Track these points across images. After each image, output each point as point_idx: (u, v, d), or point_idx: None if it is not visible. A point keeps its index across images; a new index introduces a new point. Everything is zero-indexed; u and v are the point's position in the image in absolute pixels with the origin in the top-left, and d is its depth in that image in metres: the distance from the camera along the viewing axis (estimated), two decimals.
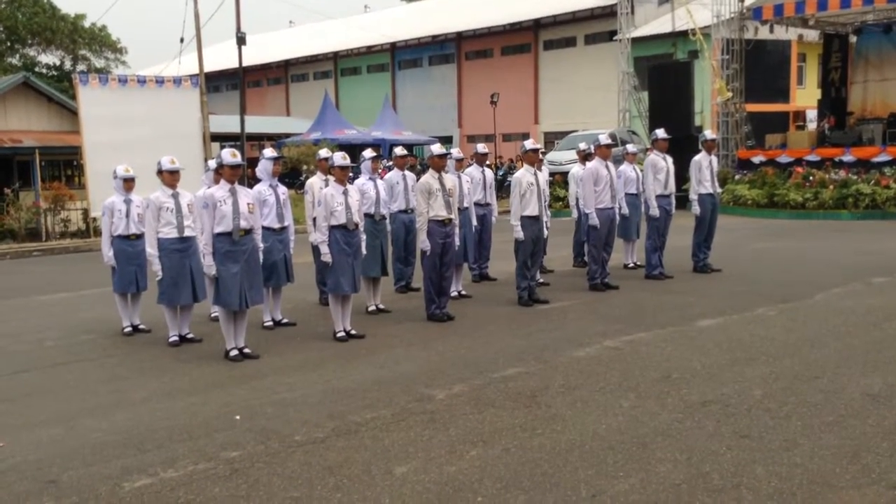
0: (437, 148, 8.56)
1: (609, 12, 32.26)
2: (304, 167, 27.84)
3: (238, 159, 6.93)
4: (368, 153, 9.27)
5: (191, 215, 7.57)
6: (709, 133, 11.38)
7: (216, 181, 7.43)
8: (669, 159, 10.69)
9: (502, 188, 22.94)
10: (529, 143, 9.00)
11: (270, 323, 8.32)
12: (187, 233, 7.56)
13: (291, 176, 28.55)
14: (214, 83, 50.82)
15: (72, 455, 4.82)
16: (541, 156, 9.61)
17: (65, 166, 24.86)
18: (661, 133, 10.83)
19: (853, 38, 23.59)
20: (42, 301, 10.88)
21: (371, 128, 36.31)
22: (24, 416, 5.64)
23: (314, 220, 7.85)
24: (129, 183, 8.13)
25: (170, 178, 7.56)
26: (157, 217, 7.48)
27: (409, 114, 43.74)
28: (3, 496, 4.25)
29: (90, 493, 4.25)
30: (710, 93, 25.11)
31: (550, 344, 7.16)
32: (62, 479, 4.46)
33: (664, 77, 22.47)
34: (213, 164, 8.02)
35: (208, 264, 6.88)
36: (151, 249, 7.51)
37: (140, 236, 7.96)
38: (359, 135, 34.33)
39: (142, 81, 19.43)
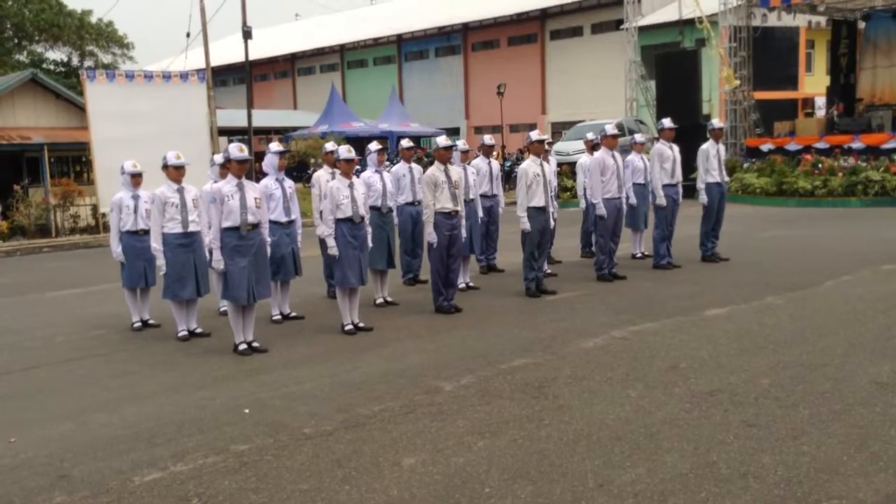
0: (442, 140, 8.56)
1: (616, 1, 32.09)
2: (312, 160, 27.85)
3: (245, 154, 6.95)
4: (374, 146, 9.27)
5: (195, 210, 7.59)
6: (716, 121, 11.34)
7: (223, 176, 7.45)
8: (676, 148, 10.65)
9: (510, 179, 22.91)
10: (535, 134, 8.99)
11: (279, 317, 8.36)
12: (192, 228, 7.59)
13: (299, 169, 28.58)
14: (221, 77, 50.86)
15: (83, 450, 4.86)
16: (547, 146, 9.60)
17: (73, 162, 24.96)
18: (667, 122, 10.81)
19: (861, 24, 23.44)
20: (52, 297, 10.95)
21: (378, 120, 36.32)
22: (36, 412, 5.70)
23: (321, 213, 7.87)
24: (136, 178, 8.17)
25: (175, 173, 7.58)
26: (161, 212, 7.51)
27: (416, 106, 43.69)
28: (16, 491, 4.30)
29: (101, 487, 4.29)
30: (718, 81, 25.00)
31: (558, 335, 7.17)
32: (73, 473, 4.50)
33: (671, 66, 22.35)
34: (219, 158, 8.04)
35: (216, 259, 6.91)
36: (156, 244, 7.55)
37: (148, 232, 7.97)
38: (366, 127, 34.33)
39: (149, 77, 19.47)
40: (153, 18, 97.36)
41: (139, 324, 8.31)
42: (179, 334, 7.71)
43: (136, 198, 8.14)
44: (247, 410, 5.44)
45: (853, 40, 23.44)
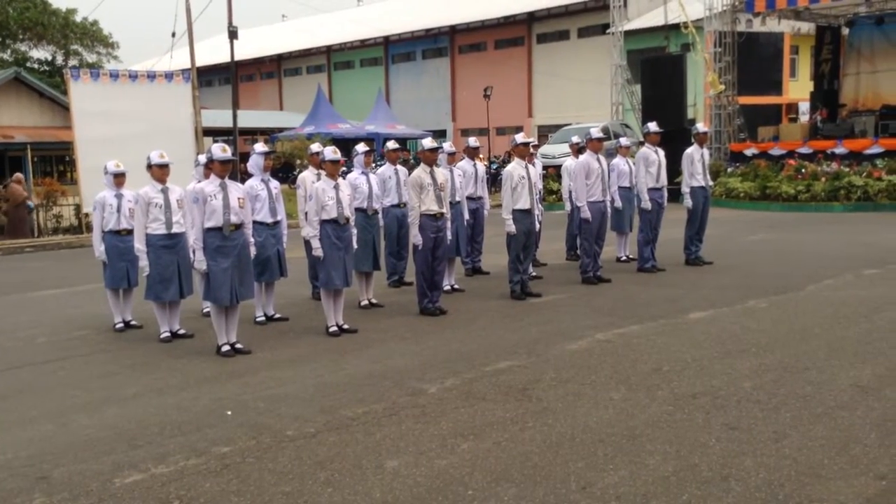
0: (428, 142, 8.55)
1: (602, 5, 32.25)
2: (298, 162, 27.80)
3: (228, 154, 6.92)
4: (361, 147, 9.26)
5: (180, 211, 7.53)
6: (700, 126, 11.41)
7: (206, 176, 7.41)
8: (661, 152, 10.71)
9: (496, 182, 22.94)
10: (520, 137, 9.00)
11: (263, 318, 8.32)
12: (175, 229, 7.53)
13: (285, 170, 28.52)
14: (207, 77, 50.66)
15: (63, 451, 4.82)
16: (532, 149, 9.62)
17: (57, 162, 24.82)
18: (652, 126, 10.86)
19: (845, 31, 23.63)
20: (34, 297, 10.86)
21: (364, 122, 36.31)
22: (16, 413, 5.64)
23: (306, 214, 7.85)
24: (119, 178, 8.11)
25: (159, 172, 7.53)
26: (145, 212, 7.45)
27: (403, 107, 43.70)
28: None
29: (81, 489, 4.25)
30: (703, 86, 25.13)
31: (542, 337, 7.18)
32: (53, 475, 4.46)
33: (657, 70, 22.47)
34: (203, 159, 8.00)
35: (199, 259, 6.87)
36: (139, 245, 7.49)
37: (131, 231, 7.91)
38: (352, 129, 34.31)
39: (133, 76, 19.35)
40: (138, 18, 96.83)
41: (121, 325, 8.25)
42: (162, 335, 7.66)
43: (119, 197, 8.08)
44: (229, 412, 5.41)
45: (837, 46, 23.62)
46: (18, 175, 18.91)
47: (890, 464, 4.15)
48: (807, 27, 26.07)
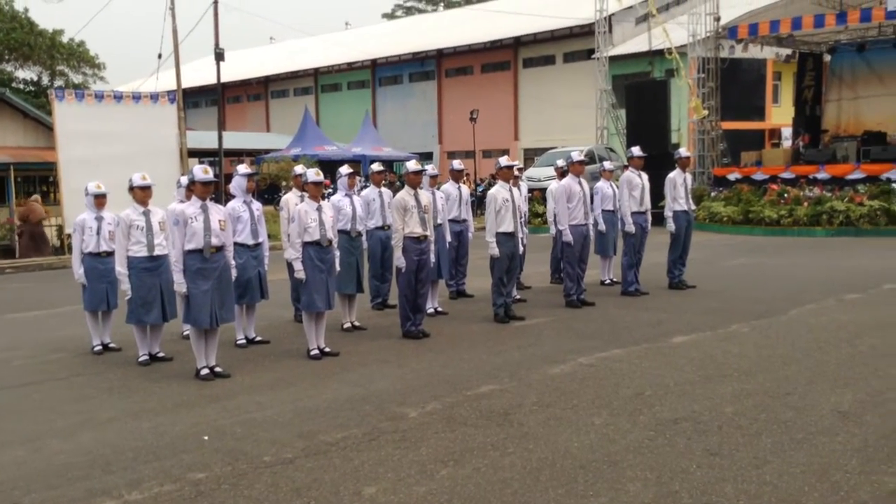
0: (412, 165, 8.54)
1: (587, 31, 32.49)
2: (284, 183, 27.75)
3: (209, 176, 6.88)
4: (345, 169, 9.24)
5: (162, 233, 7.46)
6: (683, 150, 11.46)
7: (188, 198, 7.37)
8: (645, 176, 10.75)
9: (481, 204, 22.97)
10: (504, 160, 9.03)
11: (243, 341, 8.24)
12: (157, 251, 7.45)
13: (271, 192, 28.46)
14: (194, 99, 50.68)
15: (35, 477, 4.73)
16: (517, 172, 9.63)
17: (40, 182, 24.65)
18: (636, 150, 10.91)
19: (827, 57, 23.94)
20: (12, 319, 10.72)
21: (351, 144, 36.31)
22: None
23: (289, 236, 7.81)
24: (100, 200, 8.04)
25: (141, 194, 7.47)
26: (126, 235, 7.38)
27: (390, 130, 43.76)
28: None
29: None
30: (687, 111, 25.35)
31: (525, 361, 7.14)
32: (24, 502, 4.37)
33: (641, 95, 22.65)
34: (184, 180, 7.96)
35: (178, 281, 6.80)
36: (121, 268, 7.41)
37: (111, 254, 7.83)
38: (339, 151, 34.28)
39: (118, 97, 19.30)
40: (125, 39, 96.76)
41: (100, 347, 8.15)
42: (140, 359, 7.56)
43: (99, 219, 8.01)
44: (206, 437, 5.34)
45: (819, 73, 23.94)
46: (36, 196, 18.97)
47: (871, 490, 4.13)
48: (789, 53, 26.40)
